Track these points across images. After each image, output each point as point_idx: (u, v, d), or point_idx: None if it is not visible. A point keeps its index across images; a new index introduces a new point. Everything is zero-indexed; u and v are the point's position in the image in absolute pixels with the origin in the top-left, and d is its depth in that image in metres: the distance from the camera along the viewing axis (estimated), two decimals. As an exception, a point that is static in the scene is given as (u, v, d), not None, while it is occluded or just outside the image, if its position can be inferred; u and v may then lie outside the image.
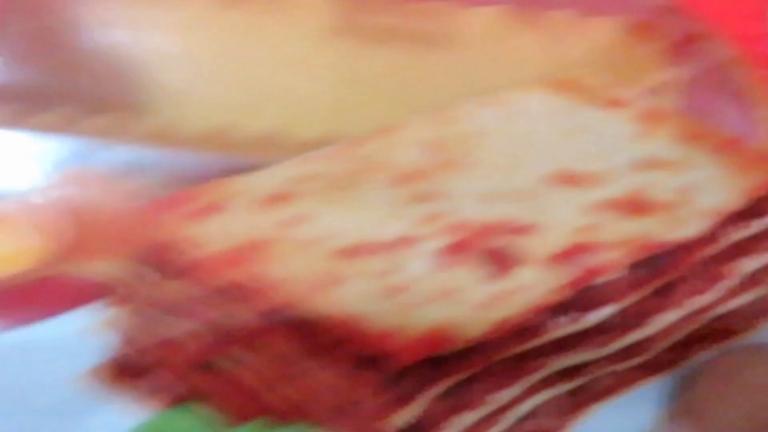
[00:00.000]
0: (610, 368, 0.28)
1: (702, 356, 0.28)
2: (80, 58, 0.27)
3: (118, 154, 0.27)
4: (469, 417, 0.26)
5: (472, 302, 0.26)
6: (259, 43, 0.28)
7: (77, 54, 0.27)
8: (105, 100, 0.27)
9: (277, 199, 0.26)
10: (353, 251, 0.26)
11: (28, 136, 0.27)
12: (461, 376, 0.26)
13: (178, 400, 0.25)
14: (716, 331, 0.28)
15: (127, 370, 0.25)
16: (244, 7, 0.28)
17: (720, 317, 0.28)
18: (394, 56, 0.28)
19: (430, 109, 0.27)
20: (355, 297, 0.25)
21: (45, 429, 0.25)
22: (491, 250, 0.26)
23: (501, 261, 0.26)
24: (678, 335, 0.28)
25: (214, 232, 0.26)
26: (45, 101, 0.27)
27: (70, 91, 0.27)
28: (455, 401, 0.26)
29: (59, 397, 0.24)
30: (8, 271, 0.25)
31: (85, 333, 0.25)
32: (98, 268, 0.25)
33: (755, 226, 0.27)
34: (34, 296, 0.25)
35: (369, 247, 0.26)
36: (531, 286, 0.26)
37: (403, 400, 0.26)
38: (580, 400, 0.29)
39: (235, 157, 0.27)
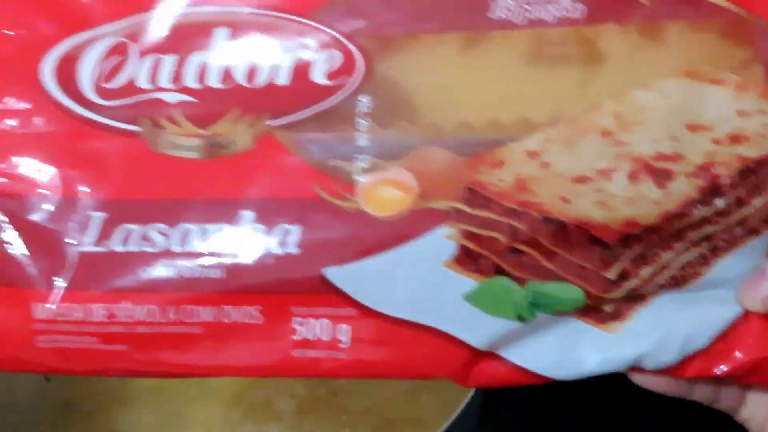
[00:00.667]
0: (726, 235, 0.48)
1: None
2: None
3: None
4: (648, 270, 0.47)
5: (648, 203, 0.46)
6: (478, 71, 0.48)
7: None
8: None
9: (533, 154, 0.46)
10: (581, 179, 0.46)
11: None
12: (643, 246, 0.46)
13: (496, 273, 0.46)
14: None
15: (466, 258, 0.46)
16: (474, 49, 0.47)
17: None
18: (562, 73, 0.47)
19: (614, 95, 0.47)
20: (584, 205, 0.45)
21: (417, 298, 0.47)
22: (657, 171, 0.46)
23: (663, 177, 0.46)
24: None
25: (501, 177, 0.46)
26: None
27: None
28: (641, 261, 0.46)
29: (428, 279, 0.46)
30: (396, 210, 0.46)
31: (440, 239, 0.46)
32: (442, 204, 0.46)
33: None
34: (408, 223, 0.46)
35: (589, 176, 0.46)
36: (681, 189, 0.46)
37: (613, 261, 0.46)
38: (710, 256, 0.49)
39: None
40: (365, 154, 0.46)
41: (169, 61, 0.47)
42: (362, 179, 0.46)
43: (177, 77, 0.47)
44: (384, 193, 0.45)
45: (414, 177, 0.45)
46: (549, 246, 0.45)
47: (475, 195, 0.45)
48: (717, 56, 0.47)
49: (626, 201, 0.45)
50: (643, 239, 0.45)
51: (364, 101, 0.46)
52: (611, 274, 0.45)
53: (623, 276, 0.45)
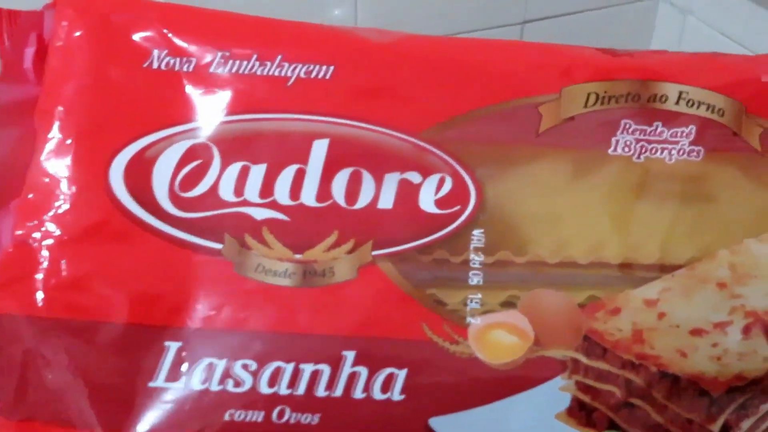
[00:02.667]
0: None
1: None
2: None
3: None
4: (749, 421, 0.45)
5: (759, 358, 0.44)
6: (583, 200, 0.45)
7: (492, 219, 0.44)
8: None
9: (651, 303, 0.44)
10: (697, 332, 0.44)
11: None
12: (748, 395, 0.44)
13: (609, 427, 0.43)
14: None
15: (579, 411, 0.43)
16: (581, 184, 0.45)
17: None
18: (671, 210, 0.46)
19: (729, 244, 0.45)
20: (701, 360, 0.43)
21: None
22: (769, 326, 0.44)
23: (775, 333, 0.44)
24: None
25: (618, 326, 0.44)
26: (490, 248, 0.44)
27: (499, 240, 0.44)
28: (742, 412, 0.45)
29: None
30: (510, 358, 0.42)
31: (555, 391, 0.43)
32: (558, 353, 0.43)
33: None
34: (522, 373, 0.42)
35: (705, 329, 0.44)
36: (791, 346, 0.45)
37: (718, 414, 0.44)
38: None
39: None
40: (478, 292, 0.42)
41: (258, 171, 0.42)
42: (475, 321, 0.42)
43: (267, 190, 0.42)
44: (498, 337, 0.42)
45: (529, 321, 0.42)
46: (662, 400, 0.42)
47: (592, 344, 0.42)
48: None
49: (739, 356, 0.43)
50: (746, 391, 0.44)
51: (477, 234, 0.43)
52: (716, 427, 0.43)
53: (726, 428, 0.43)
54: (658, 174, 0.45)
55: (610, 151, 0.45)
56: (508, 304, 0.43)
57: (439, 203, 0.43)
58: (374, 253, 0.42)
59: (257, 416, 0.40)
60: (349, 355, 0.41)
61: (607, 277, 0.44)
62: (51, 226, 0.40)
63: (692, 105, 0.45)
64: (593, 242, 0.44)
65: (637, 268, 0.45)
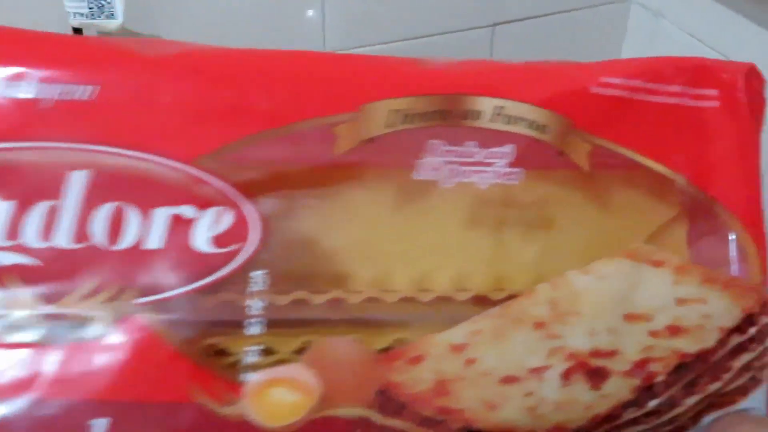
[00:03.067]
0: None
1: (708, 418, 0.44)
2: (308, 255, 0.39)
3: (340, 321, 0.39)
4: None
5: (580, 407, 0.40)
6: (414, 232, 0.40)
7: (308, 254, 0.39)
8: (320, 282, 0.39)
9: (458, 348, 0.39)
10: (510, 379, 0.39)
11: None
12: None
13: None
14: (722, 401, 0.43)
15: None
16: (407, 211, 0.40)
17: (723, 393, 0.43)
18: (509, 238, 0.41)
19: (540, 277, 0.41)
20: (511, 412, 0.39)
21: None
22: (593, 370, 0.40)
23: (599, 377, 0.40)
24: (697, 408, 0.43)
25: (419, 377, 0.39)
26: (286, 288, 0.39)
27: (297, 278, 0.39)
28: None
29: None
30: (290, 419, 0.37)
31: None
32: (345, 411, 0.38)
33: (750, 332, 0.43)
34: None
35: (518, 377, 0.39)
36: (616, 391, 0.40)
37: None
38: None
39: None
40: (256, 344, 0.37)
41: (5, 210, 0.36)
42: (252, 377, 0.37)
43: (13, 231, 0.36)
44: (277, 396, 0.37)
45: (315, 375, 0.37)
46: (470, 458, 0.38)
47: (388, 399, 0.38)
48: (648, 212, 0.43)
49: (557, 406, 0.39)
50: (569, 442, 0.39)
51: (257, 276, 0.37)
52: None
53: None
54: (475, 200, 0.40)
55: (414, 175, 0.39)
56: (301, 353, 0.37)
57: (216, 241, 0.37)
58: (137, 301, 0.37)
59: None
60: (99, 424, 0.35)
61: (422, 316, 0.39)
62: None
63: (510, 122, 0.40)
64: (414, 275, 0.39)
65: (456, 304, 0.40)
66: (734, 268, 0.43)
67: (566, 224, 0.41)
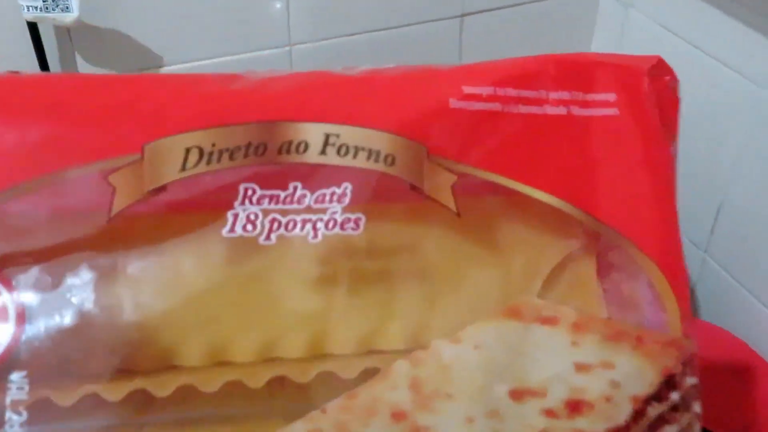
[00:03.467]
0: None
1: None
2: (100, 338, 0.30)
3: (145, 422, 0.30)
4: None
5: None
6: (248, 301, 0.32)
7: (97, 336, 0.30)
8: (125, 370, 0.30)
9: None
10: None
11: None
12: None
13: None
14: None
15: None
16: (234, 273, 0.31)
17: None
18: (363, 291, 0.32)
19: (408, 351, 0.32)
20: None
21: None
22: (470, 467, 0.31)
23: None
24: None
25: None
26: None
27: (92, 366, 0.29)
28: None
29: None
30: None
31: None
32: None
33: (671, 398, 0.34)
34: None
35: (373, 485, 0.30)
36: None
37: None
38: None
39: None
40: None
41: None
42: None
43: None
44: None
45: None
46: None
47: None
48: (544, 254, 0.35)
49: None
50: None
51: (17, 380, 0.28)
52: None
53: None
54: (306, 257, 0.31)
55: (224, 231, 0.30)
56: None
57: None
58: None
59: None
60: None
61: (248, 410, 0.30)
62: None
63: (346, 153, 0.31)
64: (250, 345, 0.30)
65: (294, 389, 0.31)
66: (647, 319, 0.34)
67: (431, 274, 0.33)
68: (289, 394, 0.32)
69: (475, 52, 0.74)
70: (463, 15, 0.75)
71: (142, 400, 0.30)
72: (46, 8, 0.56)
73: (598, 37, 0.80)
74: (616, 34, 0.76)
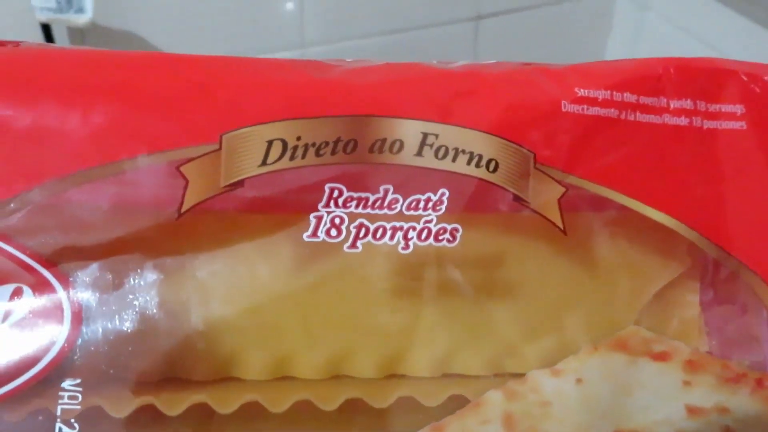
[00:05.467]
0: None
1: None
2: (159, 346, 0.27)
3: None
4: None
5: None
6: (320, 308, 0.28)
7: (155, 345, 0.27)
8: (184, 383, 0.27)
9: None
10: None
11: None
12: None
13: None
14: None
15: None
16: (308, 278, 0.28)
17: None
18: (452, 308, 0.29)
19: (493, 377, 0.29)
20: None
21: None
22: None
23: None
24: None
25: None
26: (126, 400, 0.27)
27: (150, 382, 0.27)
28: None
29: None
30: None
31: None
32: None
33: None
34: None
35: None
36: None
37: None
38: None
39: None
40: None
41: None
42: None
43: None
44: None
45: None
46: None
47: None
48: (649, 276, 0.31)
49: None
50: None
51: (69, 386, 0.25)
52: None
53: None
54: (396, 267, 0.28)
55: (305, 236, 0.27)
56: None
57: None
58: None
59: None
60: None
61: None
62: None
63: (445, 155, 0.28)
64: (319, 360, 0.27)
65: (369, 413, 0.28)
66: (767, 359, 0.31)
67: (529, 294, 0.29)
68: (366, 421, 0.28)
69: (491, 55, 0.72)
70: (478, 18, 0.75)
71: (203, 416, 0.27)
72: (60, 10, 0.56)
73: (613, 40, 0.79)
74: (631, 36, 0.75)
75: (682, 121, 0.31)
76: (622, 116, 0.30)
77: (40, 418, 0.26)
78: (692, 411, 0.29)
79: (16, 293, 0.26)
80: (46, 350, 0.26)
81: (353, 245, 0.27)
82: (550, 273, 0.30)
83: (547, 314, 0.30)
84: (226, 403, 0.28)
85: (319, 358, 0.29)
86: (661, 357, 0.29)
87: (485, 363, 0.29)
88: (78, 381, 0.26)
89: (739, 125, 0.31)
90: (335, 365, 0.29)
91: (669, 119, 0.31)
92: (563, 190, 0.29)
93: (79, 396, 0.26)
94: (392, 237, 0.28)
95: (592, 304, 0.30)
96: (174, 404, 0.27)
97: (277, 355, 0.28)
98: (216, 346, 0.28)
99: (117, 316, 0.26)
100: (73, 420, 0.26)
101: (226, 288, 0.27)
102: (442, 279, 0.29)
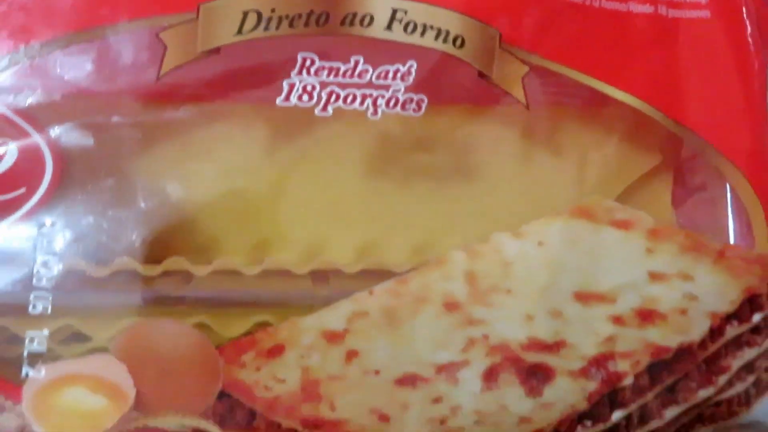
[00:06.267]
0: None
1: (701, 434, 0.32)
2: (138, 211, 0.28)
3: (179, 299, 0.28)
4: None
5: (512, 419, 0.29)
6: (298, 188, 0.30)
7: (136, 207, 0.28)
8: (163, 249, 0.29)
9: (334, 336, 0.28)
10: (408, 380, 0.28)
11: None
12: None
13: None
14: (715, 413, 0.31)
15: None
16: (283, 155, 0.30)
17: (718, 402, 0.32)
18: (422, 192, 0.30)
19: (465, 243, 0.30)
20: (411, 426, 0.28)
21: None
22: (529, 368, 0.29)
23: (538, 378, 0.29)
24: (682, 421, 0.31)
25: (278, 375, 0.28)
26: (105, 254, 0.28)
27: (127, 240, 0.28)
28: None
29: None
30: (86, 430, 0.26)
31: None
32: (171, 421, 0.27)
33: (753, 320, 0.31)
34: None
35: (421, 376, 0.28)
36: (563, 397, 0.29)
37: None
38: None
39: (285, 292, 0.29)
40: (46, 326, 0.26)
41: None
42: (35, 373, 0.26)
43: None
44: (71, 400, 0.26)
45: (129, 371, 0.26)
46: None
47: (232, 406, 0.27)
48: (618, 166, 0.32)
49: (479, 417, 0.28)
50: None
51: (50, 231, 0.27)
52: None
53: None
54: (369, 136, 0.29)
55: (279, 100, 0.29)
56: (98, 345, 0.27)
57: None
58: None
59: None
60: None
61: (291, 294, 0.29)
62: None
63: (413, 30, 0.30)
64: (295, 240, 0.29)
65: (344, 277, 0.29)
66: (732, 234, 0.32)
67: (495, 176, 0.31)
68: (336, 284, 0.30)
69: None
70: None
71: (180, 278, 0.29)
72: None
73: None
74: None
75: (647, 9, 0.32)
76: (587, 2, 0.32)
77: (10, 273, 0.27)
78: (655, 276, 0.30)
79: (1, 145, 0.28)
80: (27, 198, 0.27)
81: (324, 109, 0.29)
82: (515, 151, 0.31)
83: (511, 188, 0.31)
84: (204, 267, 0.29)
85: (297, 247, 0.30)
86: (624, 225, 0.31)
87: (454, 237, 0.31)
88: (56, 224, 0.27)
89: (703, 14, 0.33)
90: (312, 255, 0.30)
91: (634, 7, 0.32)
92: (527, 68, 0.30)
93: (59, 239, 0.27)
94: (362, 103, 0.29)
95: (558, 184, 0.31)
96: (153, 268, 0.29)
97: (256, 240, 0.30)
98: (196, 211, 0.29)
99: (97, 172, 0.28)
100: (52, 265, 0.27)
101: (202, 149, 0.29)
102: (412, 161, 0.30)
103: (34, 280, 0.27)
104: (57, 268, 0.27)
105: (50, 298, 0.27)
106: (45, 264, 0.27)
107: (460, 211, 0.30)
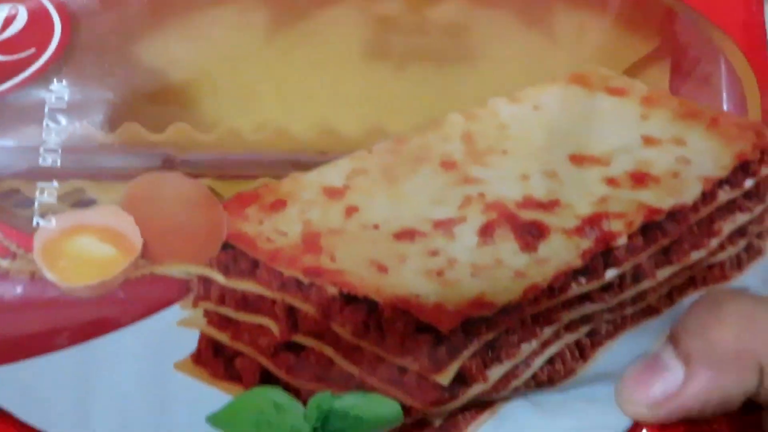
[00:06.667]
0: (612, 316, 0.32)
1: (690, 299, 0.33)
2: (141, 79, 0.29)
3: (184, 162, 0.29)
4: (500, 368, 0.30)
5: (508, 272, 0.30)
6: (298, 72, 0.31)
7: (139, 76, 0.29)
8: (165, 117, 0.29)
9: (334, 193, 0.29)
10: (406, 234, 0.29)
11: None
12: (495, 334, 0.30)
13: (261, 381, 0.29)
14: (708, 276, 0.32)
15: (212, 357, 0.29)
16: (282, 39, 0.30)
17: (711, 265, 0.32)
18: (419, 74, 0.31)
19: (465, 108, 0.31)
20: (410, 277, 0.29)
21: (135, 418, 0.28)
22: (524, 225, 0.30)
23: (532, 235, 0.29)
24: (674, 283, 0.32)
25: (280, 228, 0.29)
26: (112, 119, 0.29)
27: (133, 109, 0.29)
28: (490, 355, 0.30)
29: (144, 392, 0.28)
30: (98, 278, 0.27)
31: (171, 327, 0.28)
32: (178, 269, 0.28)
33: (745, 185, 0.32)
34: (118, 300, 0.27)
35: (419, 230, 0.29)
36: (557, 254, 0.30)
37: (449, 360, 0.30)
38: (588, 345, 0.33)
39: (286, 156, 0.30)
40: (55, 177, 0.27)
41: None
42: (46, 223, 0.27)
43: None
44: (81, 247, 0.27)
45: (136, 222, 0.27)
46: (350, 339, 0.28)
47: (236, 256, 0.28)
48: (614, 49, 0.33)
49: (474, 270, 0.29)
50: (494, 325, 0.29)
51: (56, 88, 0.28)
52: (445, 378, 0.28)
53: (463, 379, 0.29)
54: (365, 17, 0.30)
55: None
56: (106, 197, 0.28)
57: (5, 47, 0.28)
58: None
59: None
60: None
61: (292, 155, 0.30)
62: None
63: None
64: (299, 116, 0.31)
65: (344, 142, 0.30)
66: (725, 101, 0.32)
67: (491, 58, 0.31)
68: (340, 149, 0.31)
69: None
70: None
71: (185, 139, 0.30)
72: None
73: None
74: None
75: None
76: None
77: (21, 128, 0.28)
78: (648, 140, 0.31)
79: (12, 15, 0.28)
80: (37, 57, 0.28)
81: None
82: (512, 39, 0.32)
83: (510, 80, 0.32)
84: (207, 131, 0.30)
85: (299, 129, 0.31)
86: (618, 92, 0.31)
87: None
88: (65, 82, 0.28)
89: None
90: (318, 136, 0.31)
91: None
92: None
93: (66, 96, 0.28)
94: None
95: (555, 72, 0.32)
96: (158, 135, 0.30)
97: (257, 122, 0.31)
98: (197, 107, 0.30)
99: (103, 41, 0.29)
100: (60, 117, 0.28)
101: (202, 46, 0.30)
102: (410, 43, 0.31)
103: (44, 135, 0.28)
104: (66, 128, 0.28)
105: (59, 157, 0.28)
106: (54, 120, 0.28)
107: (459, 93, 0.31)
